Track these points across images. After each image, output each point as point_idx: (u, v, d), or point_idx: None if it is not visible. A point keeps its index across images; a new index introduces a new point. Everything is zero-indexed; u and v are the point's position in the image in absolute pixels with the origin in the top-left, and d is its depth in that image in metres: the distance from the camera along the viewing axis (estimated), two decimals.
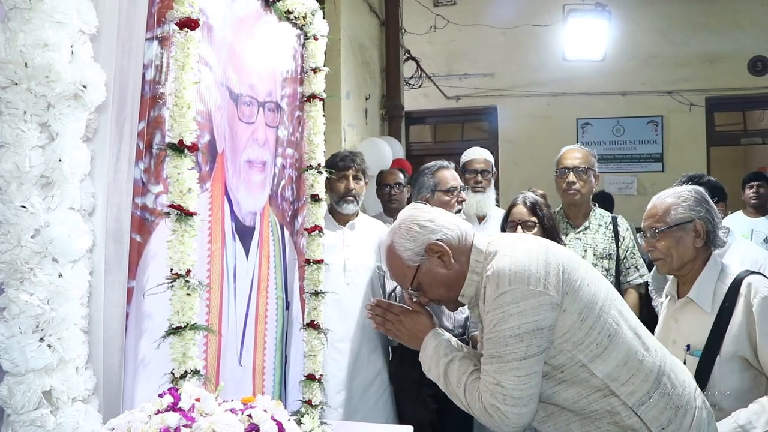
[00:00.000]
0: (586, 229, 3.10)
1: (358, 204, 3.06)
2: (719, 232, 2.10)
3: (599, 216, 3.15)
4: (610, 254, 3.03)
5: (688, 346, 2.05)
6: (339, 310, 2.90)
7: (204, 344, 1.71)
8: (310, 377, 2.20)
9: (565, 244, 2.82)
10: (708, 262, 2.10)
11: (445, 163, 3.08)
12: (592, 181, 3.11)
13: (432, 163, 3.10)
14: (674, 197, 2.12)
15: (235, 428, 1.01)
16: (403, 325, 1.82)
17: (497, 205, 3.70)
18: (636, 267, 3.11)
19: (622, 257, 3.08)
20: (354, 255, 3.01)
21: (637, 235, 2.40)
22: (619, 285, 3.07)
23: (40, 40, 1.27)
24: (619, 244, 3.07)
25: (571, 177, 3.05)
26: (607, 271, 3.02)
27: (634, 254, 3.10)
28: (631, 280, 3.12)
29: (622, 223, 3.15)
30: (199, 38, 1.54)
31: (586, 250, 3.03)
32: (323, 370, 2.84)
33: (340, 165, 3.00)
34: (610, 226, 3.11)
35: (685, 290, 2.13)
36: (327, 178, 2.99)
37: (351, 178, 3.00)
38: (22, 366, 1.23)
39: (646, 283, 3.21)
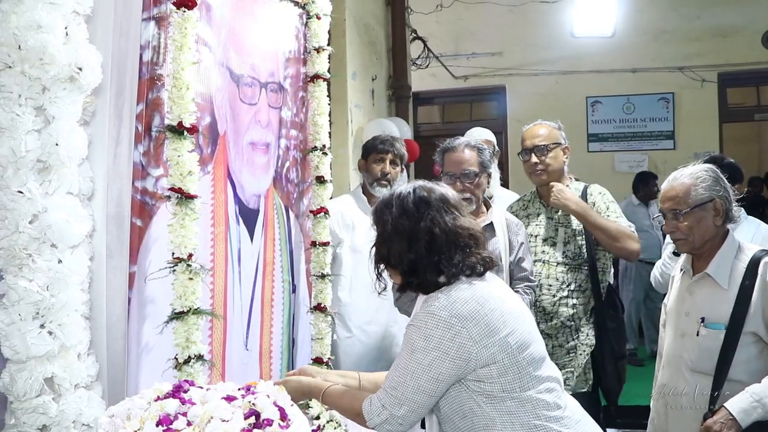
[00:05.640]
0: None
1: (391, 188, 3.04)
2: (733, 208, 2.15)
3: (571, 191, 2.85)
4: (581, 230, 2.76)
5: (703, 319, 2.12)
6: (369, 292, 2.89)
7: (209, 328, 1.69)
8: (318, 360, 2.19)
9: None
10: (726, 239, 2.16)
11: (455, 142, 2.72)
12: (560, 156, 2.84)
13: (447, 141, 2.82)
14: (692, 178, 2.16)
15: (232, 415, 0.98)
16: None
17: (503, 185, 3.64)
18: None
19: None
20: None
21: (655, 218, 2.34)
22: (593, 258, 2.76)
23: (33, 22, 1.24)
24: None
25: (533, 158, 2.82)
26: (580, 248, 2.76)
27: (609, 218, 2.74)
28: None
29: (593, 191, 2.86)
30: (197, 18, 1.51)
31: (557, 229, 2.82)
32: (349, 351, 2.86)
33: (380, 148, 3.02)
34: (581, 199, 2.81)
35: (701, 265, 2.19)
36: (364, 158, 3.02)
37: (388, 162, 3.02)
38: (23, 353, 1.22)
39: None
